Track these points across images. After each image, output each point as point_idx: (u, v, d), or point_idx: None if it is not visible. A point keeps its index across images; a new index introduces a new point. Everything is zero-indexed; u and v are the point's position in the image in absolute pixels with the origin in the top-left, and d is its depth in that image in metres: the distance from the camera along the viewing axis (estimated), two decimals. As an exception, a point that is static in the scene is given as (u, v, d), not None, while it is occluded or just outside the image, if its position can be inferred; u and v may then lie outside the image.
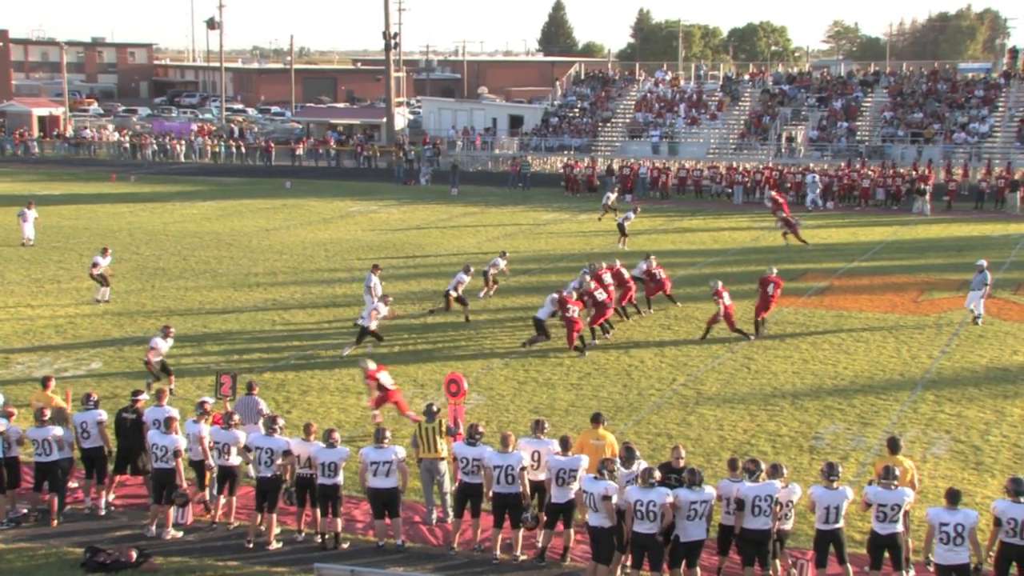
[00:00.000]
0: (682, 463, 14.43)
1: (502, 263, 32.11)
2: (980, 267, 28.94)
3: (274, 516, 15.35)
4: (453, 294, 28.84)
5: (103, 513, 16.29)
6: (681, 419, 20.79)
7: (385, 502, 15.07)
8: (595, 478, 13.96)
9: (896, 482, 13.59)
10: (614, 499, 13.75)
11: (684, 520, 13.62)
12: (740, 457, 15.56)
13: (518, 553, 14.89)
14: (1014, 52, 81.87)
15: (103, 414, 16.45)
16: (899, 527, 13.50)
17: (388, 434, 15.38)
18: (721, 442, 19.42)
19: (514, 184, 60.65)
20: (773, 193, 46.93)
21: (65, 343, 26.21)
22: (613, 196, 48.52)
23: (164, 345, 22.24)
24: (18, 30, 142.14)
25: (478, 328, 27.99)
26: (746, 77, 76.16)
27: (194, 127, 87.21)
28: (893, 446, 14.95)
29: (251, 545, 15.23)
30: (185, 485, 15.80)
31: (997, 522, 13.07)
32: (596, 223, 46.77)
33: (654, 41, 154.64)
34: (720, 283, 26.96)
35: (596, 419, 16.03)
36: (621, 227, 40.02)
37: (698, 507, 13.60)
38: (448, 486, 16.02)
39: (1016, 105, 65.07)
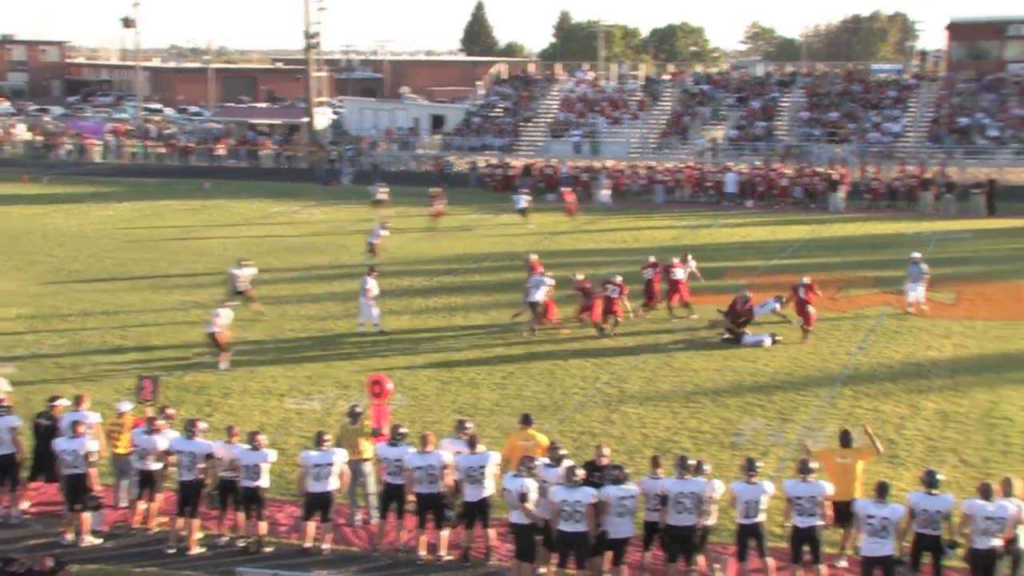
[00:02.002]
0: (605, 461, 14.52)
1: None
2: (914, 259, 29.91)
3: (196, 521, 15.16)
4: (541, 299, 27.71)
5: (17, 521, 15.97)
6: (604, 417, 20.92)
7: (320, 506, 14.97)
8: (515, 476, 14.01)
9: (814, 475, 13.82)
10: (532, 496, 13.79)
11: (613, 517, 13.71)
12: (662, 454, 15.70)
13: (443, 553, 14.88)
14: (923, 54, 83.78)
15: (17, 419, 16.11)
16: (818, 520, 13.72)
17: (328, 437, 15.27)
18: (644, 440, 19.57)
19: (438, 184, 60.31)
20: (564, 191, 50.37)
21: (-22, 348, 25.67)
22: (525, 199, 47.65)
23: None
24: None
25: (400, 329, 27.89)
26: (666, 77, 76.81)
27: (109, 127, 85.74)
28: (844, 439, 15.22)
29: (172, 551, 15.03)
30: (99, 489, 15.53)
31: (912, 514, 13.34)
32: (517, 224, 46.81)
33: (575, 41, 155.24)
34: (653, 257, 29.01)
35: (526, 420, 16.08)
36: (371, 245, 36.93)
37: (626, 503, 13.71)
38: (372, 487, 15.96)
39: (926, 105, 66.47)
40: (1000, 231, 45.33)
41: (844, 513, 14.12)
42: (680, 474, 13.91)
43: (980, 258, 38.81)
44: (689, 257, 30.40)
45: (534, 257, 30.01)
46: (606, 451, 14.76)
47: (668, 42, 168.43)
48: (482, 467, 14.64)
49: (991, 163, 59.24)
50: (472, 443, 14.96)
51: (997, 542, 13.09)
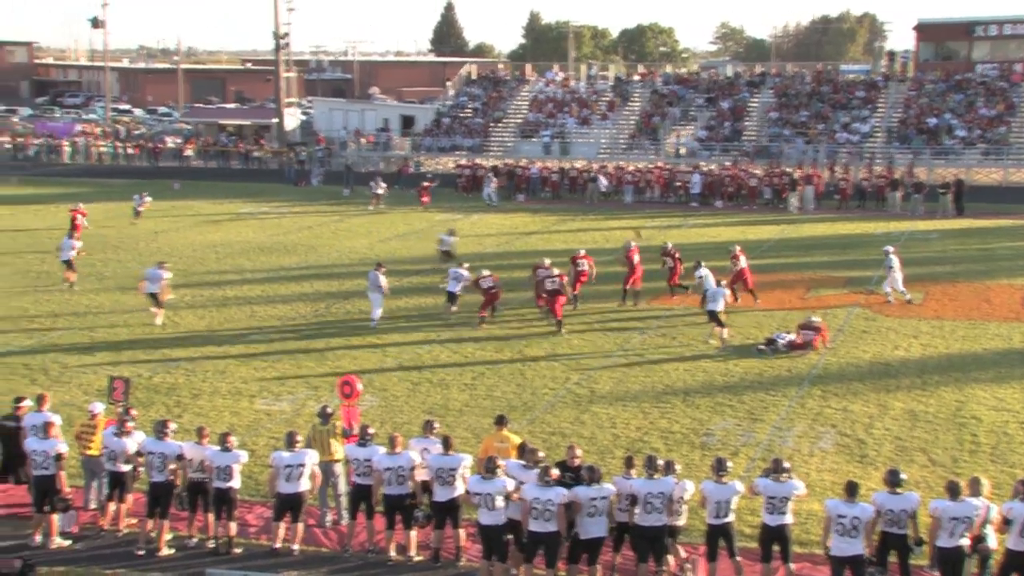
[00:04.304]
0: (577, 461, 14.56)
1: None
2: (886, 252, 31.15)
3: (166, 522, 15.10)
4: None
5: (-14, 524, 15.88)
6: (575, 418, 20.97)
7: (291, 507, 14.94)
8: (484, 478, 14.02)
9: (786, 475, 13.91)
10: (509, 490, 13.85)
11: (584, 517, 13.75)
12: (634, 454, 15.76)
13: (412, 554, 14.88)
14: (891, 55, 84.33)
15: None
16: (788, 519, 13.81)
17: (300, 438, 15.24)
18: (615, 440, 19.63)
19: (403, 185, 60.07)
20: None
21: (-56, 350, 25.47)
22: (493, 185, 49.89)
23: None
24: None
25: (371, 329, 27.86)
26: (636, 78, 77.01)
27: (78, 128, 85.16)
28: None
29: (142, 552, 14.97)
30: (68, 491, 15.45)
31: (877, 513, 13.45)
32: (486, 222, 46.87)
33: (545, 42, 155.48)
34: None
35: (500, 421, 16.11)
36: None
37: (598, 503, 13.75)
38: (343, 488, 15.94)
39: (895, 106, 66.94)
40: (967, 231, 45.68)
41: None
42: (649, 474, 13.97)
43: (948, 258, 39.11)
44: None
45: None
46: (578, 451, 14.81)
47: (638, 43, 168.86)
48: (454, 469, 14.66)
49: (959, 163, 59.68)
50: (447, 444, 14.97)
51: (964, 541, 13.20)
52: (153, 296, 28.58)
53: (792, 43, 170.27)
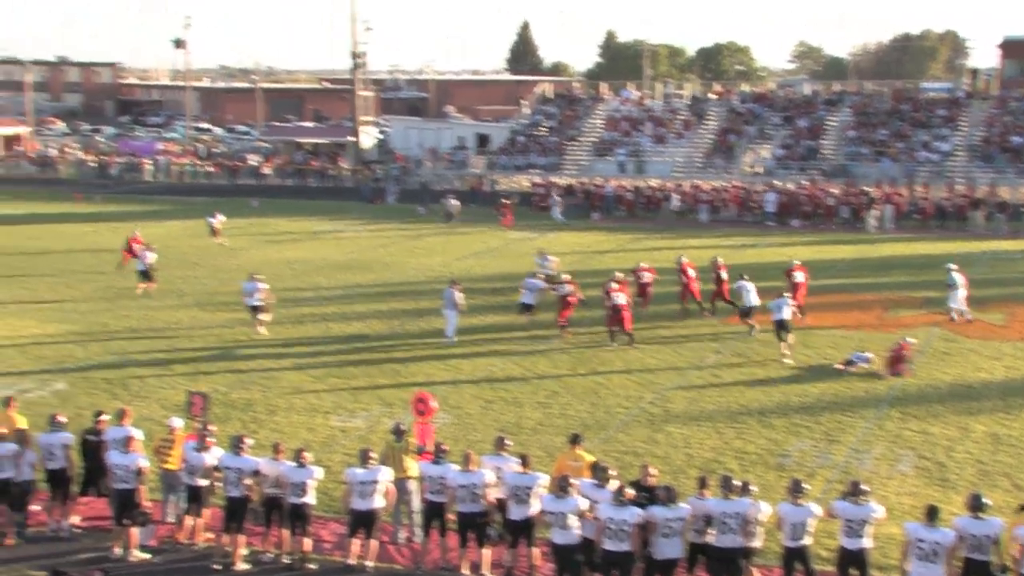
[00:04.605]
0: (652, 481, 14.45)
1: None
2: (948, 269, 30.94)
3: (241, 537, 15.24)
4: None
5: (67, 535, 16.13)
6: (648, 437, 20.84)
7: (365, 523, 14.99)
8: (557, 497, 13.97)
9: (865, 498, 13.67)
10: (583, 509, 13.79)
11: (659, 538, 13.63)
12: (709, 475, 15.60)
13: (485, 572, 14.86)
14: (974, 72, 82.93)
15: (69, 436, 16.28)
16: (867, 543, 13.57)
17: (374, 455, 15.30)
18: (688, 460, 19.47)
19: (478, 204, 60.42)
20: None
21: (28, 363, 25.96)
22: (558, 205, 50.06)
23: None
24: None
25: (446, 347, 27.95)
26: (712, 96, 76.58)
27: (160, 146, 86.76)
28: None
29: (218, 566, 15.11)
30: (147, 505, 15.66)
31: (959, 538, 13.15)
32: (560, 240, 46.86)
33: (621, 61, 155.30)
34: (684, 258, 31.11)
35: (574, 440, 16.05)
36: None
37: (673, 524, 13.62)
38: (416, 505, 15.97)
39: (977, 124, 65.77)
40: (1052, 251, 44.72)
41: None
42: (725, 494, 13.82)
43: (1032, 279, 38.29)
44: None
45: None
46: (653, 471, 14.70)
47: (714, 61, 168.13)
48: (530, 487, 14.59)
49: (1044, 182, 58.51)
50: (524, 462, 14.93)
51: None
52: (254, 309, 29.28)
53: (872, 61, 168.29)
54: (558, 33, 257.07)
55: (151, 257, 35.05)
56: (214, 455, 15.63)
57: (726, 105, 73.19)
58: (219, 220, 47.04)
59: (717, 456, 19.69)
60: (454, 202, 52.55)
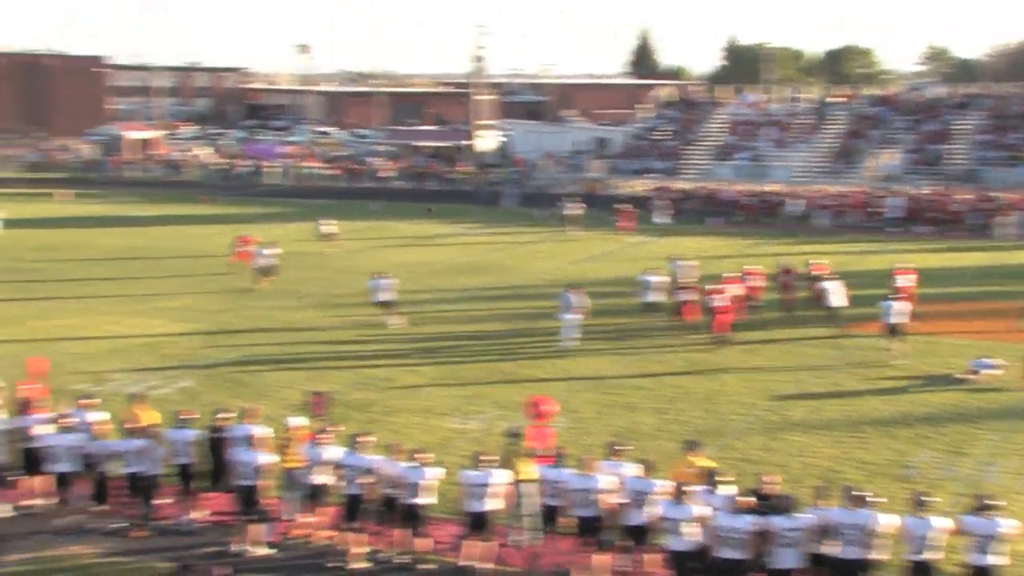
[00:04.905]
0: (769, 489, 14.24)
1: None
2: None
3: (358, 535, 15.42)
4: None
5: (192, 529, 16.53)
6: (765, 445, 20.54)
7: (479, 525, 15.06)
8: (675, 503, 13.86)
9: (994, 513, 13.27)
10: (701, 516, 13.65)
11: (777, 547, 13.41)
12: (827, 484, 15.30)
13: (600, 577, 14.80)
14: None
15: (195, 432, 16.69)
16: (996, 559, 13.15)
17: (489, 457, 15.36)
18: (806, 469, 19.13)
19: (595, 207, 60.26)
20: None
21: (157, 361, 26.69)
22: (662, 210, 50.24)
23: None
24: (117, 56, 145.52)
25: (563, 351, 27.95)
26: (835, 100, 75.20)
27: (283, 149, 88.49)
28: None
29: (335, 564, 15.32)
30: (268, 502, 15.96)
31: None
32: (678, 245, 46.46)
33: (742, 64, 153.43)
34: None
35: (691, 446, 15.91)
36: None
37: (792, 534, 13.39)
38: (531, 508, 15.97)
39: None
40: None
41: None
42: (847, 505, 13.54)
43: None
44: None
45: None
46: (770, 479, 14.47)
47: (838, 64, 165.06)
48: (650, 492, 14.49)
49: None
50: (647, 467, 14.83)
51: None
52: (383, 304, 30.50)
53: (1006, 63, 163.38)
54: (678, 36, 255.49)
55: (268, 254, 36.37)
56: (332, 453, 15.86)
57: (850, 109, 71.87)
58: (329, 225, 47.44)
59: (837, 465, 19.31)
60: (572, 206, 52.53)
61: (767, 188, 62.01)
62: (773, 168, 66.38)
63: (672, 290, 31.31)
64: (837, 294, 29.59)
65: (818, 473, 18.77)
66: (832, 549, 13.48)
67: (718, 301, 28.49)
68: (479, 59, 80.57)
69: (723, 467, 17.68)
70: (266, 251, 36.92)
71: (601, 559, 14.84)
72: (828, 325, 29.82)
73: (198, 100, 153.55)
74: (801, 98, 77.09)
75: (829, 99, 75.68)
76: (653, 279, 31.75)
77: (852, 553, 13.39)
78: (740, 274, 32.20)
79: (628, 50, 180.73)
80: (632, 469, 15.12)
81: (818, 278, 31.31)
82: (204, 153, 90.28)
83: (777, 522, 13.41)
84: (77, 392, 20.19)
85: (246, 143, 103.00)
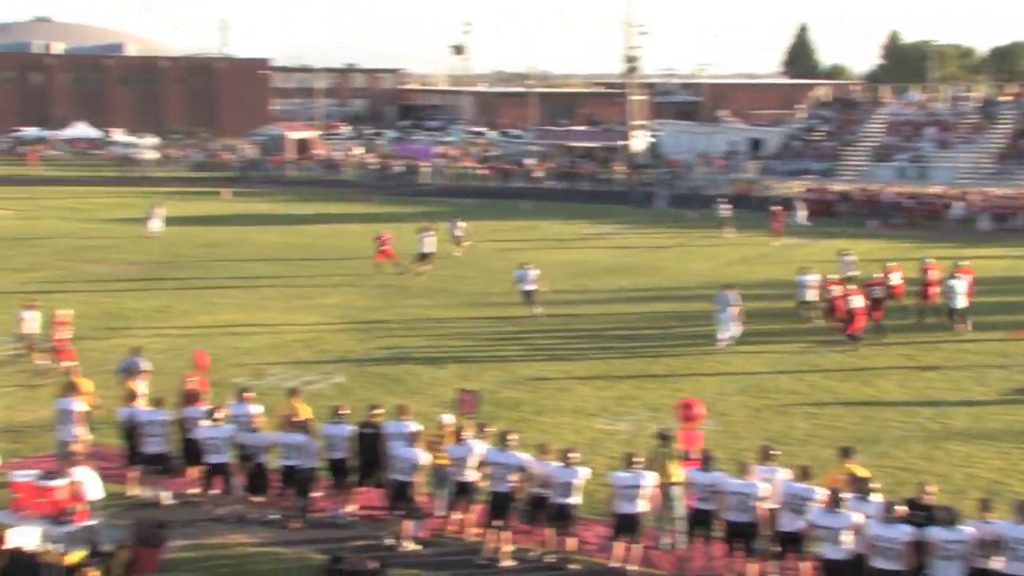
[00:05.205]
0: (929, 499, 13.79)
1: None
2: None
3: (507, 533, 15.48)
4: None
5: (345, 523, 16.83)
6: (926, 454, 19.92)
7: (628, 527, 14.97)
8: (828, 511, 13.53)
9: None
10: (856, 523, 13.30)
11: (938, 559, 12.97)
12: (992, 497, 14.74)
13: (751, 585, 14.54)
14: None
15: (351, 428, 16.97)
16: None
17: (639, 459, 15.27)
18: (970, 480, 18.48)
19: (749, 209, 59.45)
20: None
21: (312, 356, 27.27)
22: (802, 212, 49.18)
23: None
24: (279, 58, 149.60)
25: (713, 354, 27.61)
26: (1005, 98, 72.42)
27: (437, 149, 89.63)
28: None
29: (484, 562, 15.41)
30: (421, 498, 16.16)
31: None
32: (836, 249, 45.46)
33: (904, 63, 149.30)
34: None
35: (845, 452, 15.52)
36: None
37: (954, 547, 12.92)
38: (680, 512, 15.80)
39: None
40: None
41: None
42: (1016, 519, 13.00)
43: None
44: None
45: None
46: (931, 489, 14.01)
47: (1008, 62, 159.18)
48: (807, 499, 14.17)
49: None
50: (804, 473, 14.52)
51: None
52: (527, 293, 31.91)
53: None
54: (837, 34, 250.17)
55: (431, 239, 38.78)
56: (479, 451, 15.96)
57: (1019, 108, 69.16)
58: (461, 228, 46.42)
59: (1003, 478, 18.61)
60: (725, 207, 51.87)
61: (929, 190, 60.22)
62: (935, 169, 64.37)
63: (823, 287, 30.71)
64: (961, 295, 29.45)
65: (982, 485, 18.11)
66: (998, 564, 12.97)
67: (855, 302, 28.25)
68: (633, 59, 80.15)
69: (880, 476, 17.21)
70: (426, 237, 38.90)
71: (752, 567, 14.59)
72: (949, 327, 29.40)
73: (355, 101, 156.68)
74: (967, 97, 74.51)
75: (998, 98, 72.98)
76: (808, 278, 31.40)
77: (1020, 569, 12.86)
78: (883, 274, 31.40)
79: (784, 49, 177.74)
80: (785, 474, 14.83)
81: (936, 278, 31.02)
82: (360, 153, 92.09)
83: (936, 533, 12.98)
84: (237, 385, 20.74)
85: (401, 143, 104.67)
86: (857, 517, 13.44)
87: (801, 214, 54.66)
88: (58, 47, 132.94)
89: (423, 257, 38.37)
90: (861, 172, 66.29)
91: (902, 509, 13.32)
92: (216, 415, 17.19)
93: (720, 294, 28.64)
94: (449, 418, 17.27)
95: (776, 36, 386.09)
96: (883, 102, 75.55)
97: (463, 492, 16.06)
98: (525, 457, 15.64)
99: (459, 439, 16.20)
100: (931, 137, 67.81)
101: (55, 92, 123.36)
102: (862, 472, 15.16)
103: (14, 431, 20.94)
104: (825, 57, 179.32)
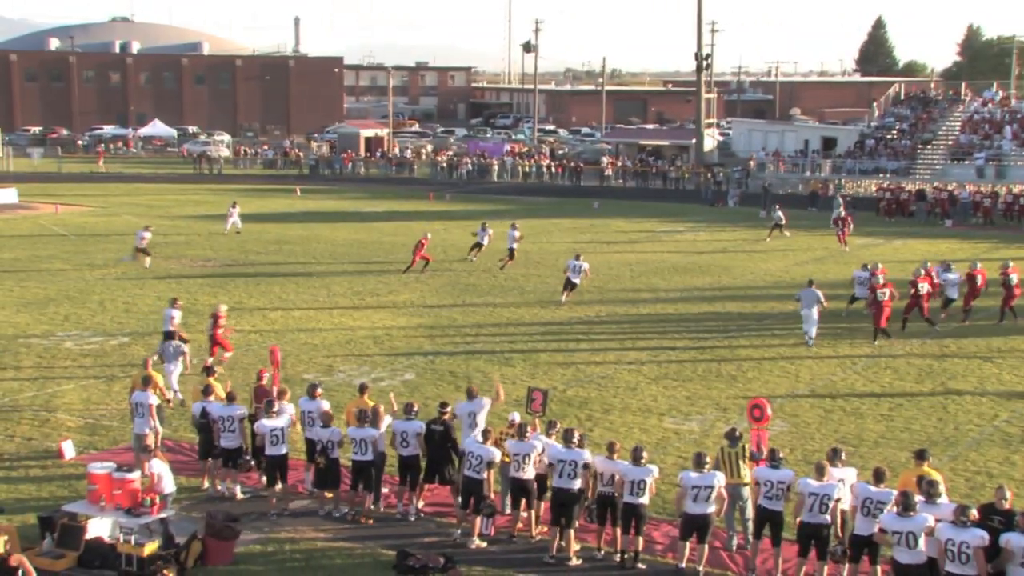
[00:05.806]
0: (1007, 505, 13.53)
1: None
2: None
3: (572, 532, 15.45)
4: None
5: (413, 519, 16.92)
6: (1004, 458, 19.56)
7: (698, 527, 14.89)
8: (900, 515, 13.33)
9: None
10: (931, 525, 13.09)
11: (1016, 567, 12.71)
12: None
13: (824, 588, 14.38)
14: None
15: (422, 425, 17.03)
16: None
17: (708, 459, 15.18)
18: (1049, 485, 18.12)
19: (820, 208, 58.72)
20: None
21: (382, 353, 27.45)
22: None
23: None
24: (351, 57, 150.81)
25: (782, 356, 27.34)
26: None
27: (507, 147, 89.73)
28: None
29: (551, 560, 15.40)
30: (493, 496, 16.20)
31: None
32: (909, 249, 44.80)
33: (984, 59, 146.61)
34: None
35: (920, 455, 15.27)
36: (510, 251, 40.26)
37: (1034, 554, 12.69)
38: (750, 512, 15.68)
39: None
40: None
41: None
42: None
43: None
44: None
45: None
46: (1008, 494, 13.75)
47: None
48: (883, 503, 13.96)
49: None
50: (879, 476, 14.30)
51: None
52: (569, 283, 33.49)
53: None
54: (914, 30, 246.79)
55: (488, 234, 40.85)
56: (541, 448, 15.96)
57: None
58: (488, 235, 42.92)
59: (1081, 484, 18.21)
60: (780, 212, 50.84)
61: (1008, 189, 59.12)
62: (1015, 168, 63.18)
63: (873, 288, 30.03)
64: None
65: (1060, 490, 17.75)
66: (1075, 572, 12.71)
67: (884, 296, 28.31)
68: (704, 57, 79.61)
69: (956, 480, 16.96)
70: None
71: (825, 568, 14.42)
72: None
73: (426, 99, 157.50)
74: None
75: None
76: (862, 275, 31.40)
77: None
78: (929, 271, 30.79)
79: (859, 46, 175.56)
80: (854, 475, 14.64)
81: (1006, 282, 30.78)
82: (430, 150, 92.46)
83: (1016, 540, 12.73)
84: (307, 381, 20.93)
85: (471, 141, 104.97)
86: (930, 520, 13.23)
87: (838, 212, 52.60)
88: (136, 47, 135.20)
89: (510, 252, 39.78)
90: (937, 171, 65.25)
91: (973, 514, 13.08)
92: (274, 408, 17.33)
93: (804, 291, 28.36)
94: (516, 416, 17.28)
95: (851, 33, 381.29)
96: (961, 99, 74.30)
97: (521, 490, 16.04)
98: (595, 457, 15.61)
99: (522, 436, 16.19)
100: (1011, 136, 66.55)
101: (133, 91, 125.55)
102: (935, 476, 14.93)
103: (91, 424, 21.34)
104: (902, 53, 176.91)
